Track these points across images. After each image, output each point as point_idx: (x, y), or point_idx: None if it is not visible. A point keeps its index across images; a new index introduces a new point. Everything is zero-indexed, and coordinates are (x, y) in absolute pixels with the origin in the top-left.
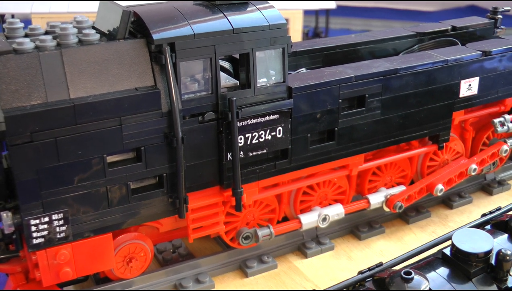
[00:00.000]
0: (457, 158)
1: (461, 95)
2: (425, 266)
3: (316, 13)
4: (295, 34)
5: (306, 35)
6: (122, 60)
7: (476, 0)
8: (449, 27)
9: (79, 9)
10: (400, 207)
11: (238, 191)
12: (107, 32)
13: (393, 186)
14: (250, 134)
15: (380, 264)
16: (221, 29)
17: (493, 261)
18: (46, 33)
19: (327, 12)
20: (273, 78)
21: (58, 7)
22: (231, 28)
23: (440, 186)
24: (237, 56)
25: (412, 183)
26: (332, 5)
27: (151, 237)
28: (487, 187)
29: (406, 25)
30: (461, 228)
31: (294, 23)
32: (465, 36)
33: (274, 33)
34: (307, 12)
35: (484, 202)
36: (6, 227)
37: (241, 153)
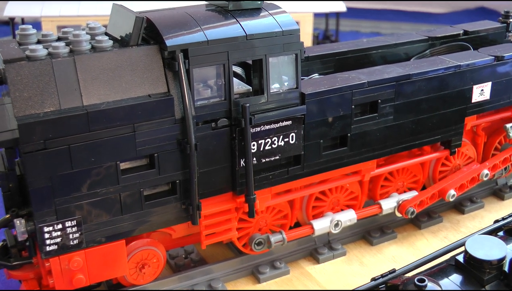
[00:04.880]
0: (469, 163)
1: (473, 100)
2: (438, 273)
3: (326, 16)
4: (306, 37)
5: (316, 38)
6: (135, 66)
7: (485, 0)
8: (461, 32)
9: (89, 12)
10: (412, 213)
11: (251, 197)
12: (120, 38)
13: (405, 191)
14: (263, 141)
15: (393, 270)
16: (234, 35)
17: (506, 268)
18: (59, 39)
19: (337, 15)
20: (286, 84)
21: (68, 11)
22: (244, 34)
23: (452, 192)
24: (249, 62)
25: (424, 188)
26: (342, 7)
27: (163, 243)
28: (498, 192)
29: (415, 27)
30: (474, 234)
31: (305, 26)
32: (477, 41)
33: (287, 39)
34: (317, 15)
35: (496, 207)
36: (19, 234)
37: (254, 159)
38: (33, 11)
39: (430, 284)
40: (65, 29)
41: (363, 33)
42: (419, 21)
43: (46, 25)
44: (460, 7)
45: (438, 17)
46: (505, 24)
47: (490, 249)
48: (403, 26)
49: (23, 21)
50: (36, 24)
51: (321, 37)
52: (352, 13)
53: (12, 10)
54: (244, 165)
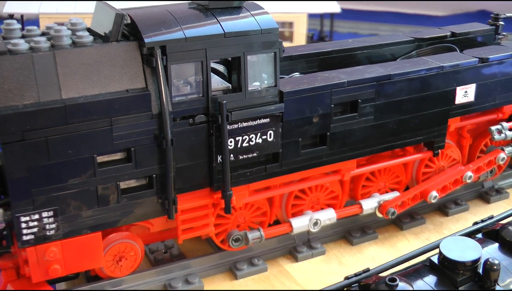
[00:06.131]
0: (454, 164)
1: (457, 102)
2: (412, 273)
3: (321, 16)
4: (299, 38)
5: (311, 39)
6: (114, 62)
7: (486, 0)
8: (448, 33)
9: (86, 9)
10: (393, 213)
11: (227, 193)
12: (102, 35)
13: (387, 192)
14: (240, 138)
15: (367, 270)
16: (212, 33)
17: (480, 270)
18: (43, 34)
19: (331, 16)
20: (265, 82)
21: (65, 8)
22: (223, 32)
23: (434, 193)
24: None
25: (407, 189)
26: (336, 8)
27: (142, 237)
28: (484, 195)
29: (414, 30)
30: (450, 236)
31: (298, 26)
32: (465, 43)
33: (266, 38)
34: (313, 16)
35: (481, 210)
36: None
37: (231, 155)
38: (31, 8)
39: (401, 284)
40: (49, 25)
41: (361, 35)
42: (418, 24)
43: (44, 22)
44: (461, 10)
45: (437, 19)
46: (494, 27)
47: (464, 251)
48: (402, 29)
49: (22, 18)
50: (35, 21)
51: (315, 38)
52: (350, 14)
53: (11, 7)
54: (221, 161)
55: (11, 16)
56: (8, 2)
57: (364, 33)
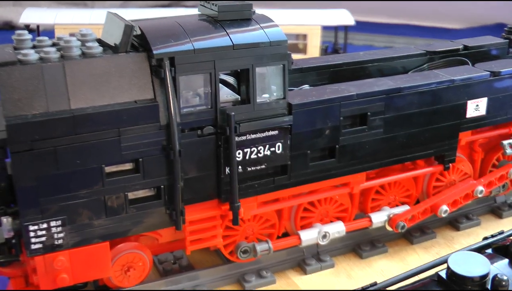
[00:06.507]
0: (465, 179)
1: (467, 115)
2: (420, 288)
3: (336, 29)
4: (313, 50)
5: (325, 51)
6: (123, 73)
7: None
8: (461, 47)
9: (101, 20)
10: (403, 227)
11: (235, 205)
12: (113, 45)
13: (397, 205)
14: (249, 149)
15: (374, 283)
16: (221, 45)
17: (489, 286)
18: (53, 45)
19: (345, 28)
20: (274, 94)
21: (80, 19)
22: (231, 44)
23: (444, 207)
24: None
25: (418, 203)
26: (350, 21)
27: (151, 247)
28: (497, 210)
29: (427, 43)
30: (459, 251)
31: (312, 39)
32: (478, 56)
33: (275, 50)
34: (327, 28)
35: (493, 225)
36: (5, 231)
37: (240, 167)
38: (47, 19)
39: None
40: (60, 35)
41: (377, 48)
42: (434, 37)
43: (59, 33)
44: (478, 23)
45: (455, 33)
46: (508, 40)
47: (473, 266)
48: (418, 42)
49: (38, 28)
50: (51, 32)
51: (329, 50)
52: (366, 27)
53: (27, 17)
54: (229, 172)
55: (27, 27)
56: (25, 12)
57: (379, 46)
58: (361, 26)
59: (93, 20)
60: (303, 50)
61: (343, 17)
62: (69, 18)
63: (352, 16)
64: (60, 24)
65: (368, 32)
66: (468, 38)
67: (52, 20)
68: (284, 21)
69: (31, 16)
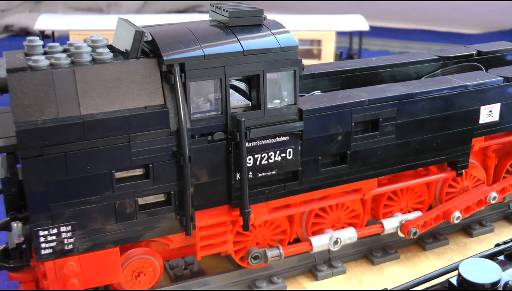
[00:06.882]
0: (478, 185)
1: (481, 121)
2: None
3: (350, 34)
4: (327, 56)
5: (339, 57)
6: (133, 79)
7: None
8: (475, 52)
9: (114, 26)
10: (415, 233)
11: (245, 210)
12: (124, 51)
13: (409, 211)
14: (259, 155)
15: (385, 290)
16: (231, 51)
17: None
18: (64, 51)
19: (360, 34)
20: (285, 100)
21: (94, 25)
22: (242, 49)
23: (457, 213)
24: None
25: (430, 209)
26: (365, 26)
27: (162, 253)
28: (510, 216)
29: (441, 48)
30: (470, 257)
31: (326, 44)
32: (492, 61)
33: (285, 56)
34: (342, 34)
35: (507, 231)
36: (15, 236)
37: (250, 173)
38: (62, 25)
39: None
40: (70, 42)
41: (392, 53)
42: (450, 42)
43: (74, 39)
44: (495, 28)
45: (470, 38)
46: None
47: (484, 273)
48: (433, 47)
49: (53, 35)
50: (66, 38)
51: (344, 56)
52: (381, 32)
53: (42, 24)
54: (239, 178)
55: (42, 33)
56: (40, 18)
57: (394, 51)
58: (376, 32)
59: (108, 26)
60: (318, 56)
61: (357, 22)
62: (84, 24)
63: (366, 21)
64: (75, 30)
65: (383, 38)
66: (482, 44)
67: (67, 26)
68: (298, 27)
69: (46, 22)
